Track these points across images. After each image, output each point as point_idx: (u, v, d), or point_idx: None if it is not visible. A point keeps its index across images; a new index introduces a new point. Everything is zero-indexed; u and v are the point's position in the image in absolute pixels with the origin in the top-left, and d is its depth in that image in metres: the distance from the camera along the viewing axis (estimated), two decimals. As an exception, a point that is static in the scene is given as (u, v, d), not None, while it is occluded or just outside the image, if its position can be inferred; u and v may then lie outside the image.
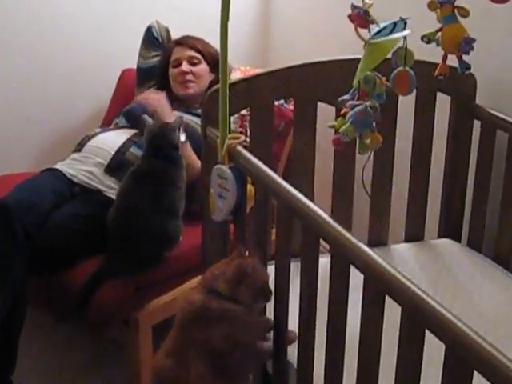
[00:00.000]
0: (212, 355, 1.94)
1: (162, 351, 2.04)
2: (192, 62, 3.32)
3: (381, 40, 1.73)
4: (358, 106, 1.85)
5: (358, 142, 1.92)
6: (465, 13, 1.72)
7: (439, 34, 1.77)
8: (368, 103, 1.83)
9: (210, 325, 1.96)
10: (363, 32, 1.82)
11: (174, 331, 2.03)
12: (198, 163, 2.89)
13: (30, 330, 2.89)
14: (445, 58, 1.84)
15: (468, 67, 1.84)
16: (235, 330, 1.99)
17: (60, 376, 2.93)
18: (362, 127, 1.85)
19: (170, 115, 3.07)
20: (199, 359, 1.94)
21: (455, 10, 1.74)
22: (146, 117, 3.01)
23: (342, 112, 1.91)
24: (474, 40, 1.73)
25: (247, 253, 2.28)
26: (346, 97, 1.94)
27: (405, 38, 1.75)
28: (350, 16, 1.81)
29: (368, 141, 1.91)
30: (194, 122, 3.15)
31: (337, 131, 1.90)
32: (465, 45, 1.71)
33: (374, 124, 1.87)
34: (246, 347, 2.08)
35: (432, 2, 1.83)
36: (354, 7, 1.81)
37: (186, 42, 3.37)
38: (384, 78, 1.88)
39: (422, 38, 1.82)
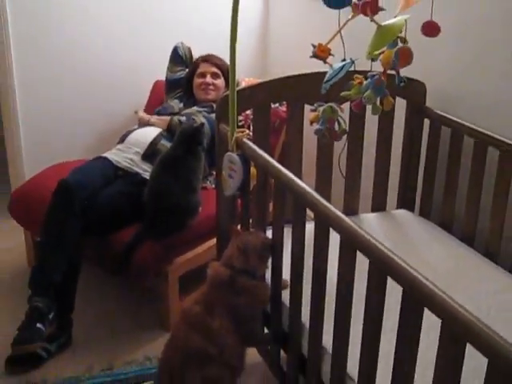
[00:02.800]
0: (235, 316, 1.97)
1: (192, 299, 2.03)
2: (213, 76, 3.36)
3: (390, 22, 1.70)
4: (374, 76, 1.82)
5: (372, 106, 1.88)
6: (404, 41, 1.76)
7: (381, 55, 1.79)
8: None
9: (236, 295, 1.98)
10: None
11: (205, 288, 2.04)
12: None
13: (86, 280, 2.92)
14: (384, 72, 1.85)
15: (402, 81, 1.89)
16: (255, 302, 2.04)
17: (107, 316, 2.94)
18: (380, 92, 1.83)
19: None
20: (224, 316, 1.95)
21: (398, 40, 1.77)
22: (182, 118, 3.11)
23: (357, 82, 1.87)
24: (396, 63, 1.77)
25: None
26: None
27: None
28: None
29: (380, 104, 1.90)
30: (206, 111, 3.20)
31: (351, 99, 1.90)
32: (393, 63, 1.75)
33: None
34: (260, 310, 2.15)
35: None
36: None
37: (211, 60, 3.40)
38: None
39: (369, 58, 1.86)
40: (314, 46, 1.88)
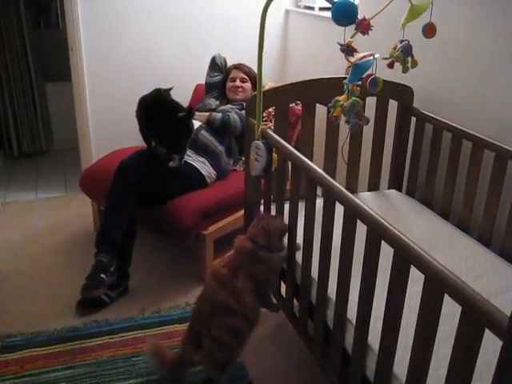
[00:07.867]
0: (253, 279, 1.97)
1: (221, 262, 2.04)
2: (242, 81, 3.34)
3: (419, 3, 1.75)
4: (403, 41, 1.87)
5: (402, 66, 1.90)
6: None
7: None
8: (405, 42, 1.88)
9: (256, 263, 1.99)
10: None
11: (231, 255, 2.04)
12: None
13: (142, 243, 2.95)
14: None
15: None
16: (269, 270, 2.04)
17: (157, 271, 2.96)
18: (408, 54, 1.87)
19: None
20: (246, 278, 1.95)
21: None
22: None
23: (394, 46, 1.91)
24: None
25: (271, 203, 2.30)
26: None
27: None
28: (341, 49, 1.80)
29: (409, 64, 1.91)
30: (238, 108, 3.20)
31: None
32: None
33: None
34: (272, 277, 2.16)
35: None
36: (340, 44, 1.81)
37: (240, 67, 3.39)
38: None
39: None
40: (340, 44, 1.80)
